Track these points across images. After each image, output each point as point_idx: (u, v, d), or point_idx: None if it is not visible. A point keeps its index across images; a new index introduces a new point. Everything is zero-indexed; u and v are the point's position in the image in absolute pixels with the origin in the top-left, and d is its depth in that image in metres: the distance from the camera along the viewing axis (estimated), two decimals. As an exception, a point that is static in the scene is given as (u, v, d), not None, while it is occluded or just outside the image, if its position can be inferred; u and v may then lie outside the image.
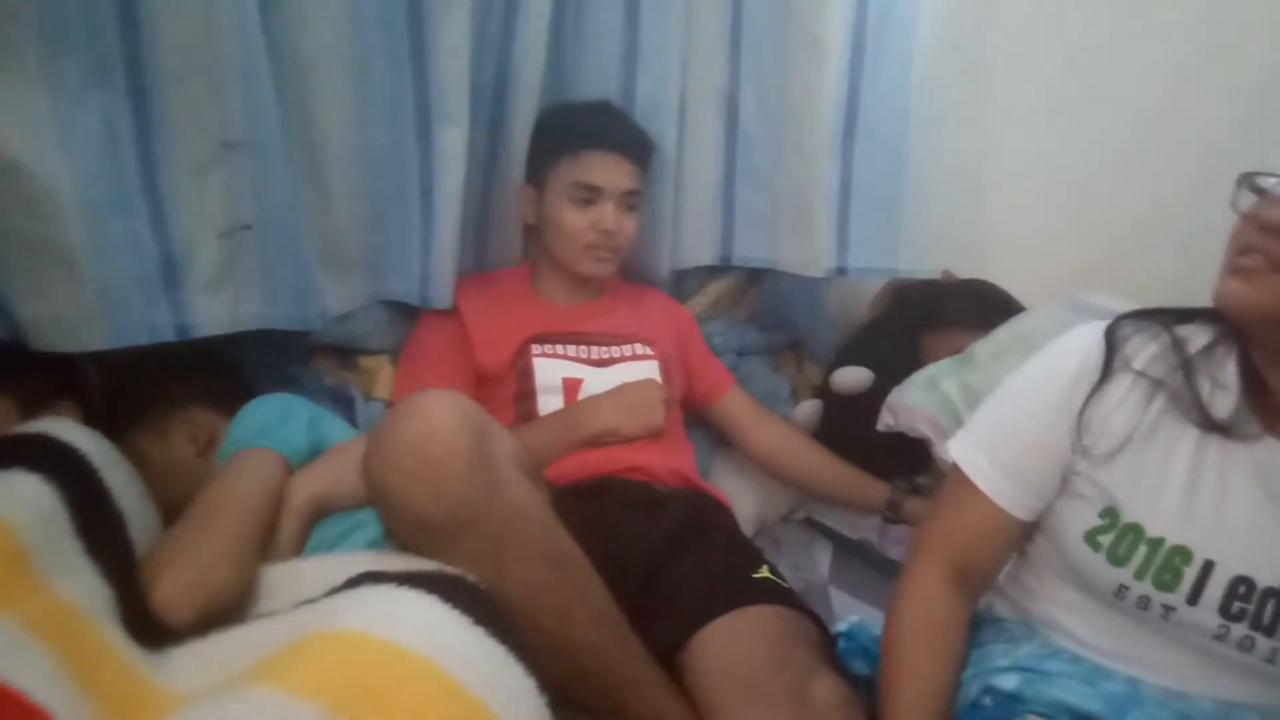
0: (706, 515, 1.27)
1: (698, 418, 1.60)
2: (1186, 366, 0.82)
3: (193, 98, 1.15)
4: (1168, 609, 0.81)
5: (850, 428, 1.59)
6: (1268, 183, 0.75)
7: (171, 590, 0.87)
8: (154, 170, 1.15)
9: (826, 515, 1.63)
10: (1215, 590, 0.80)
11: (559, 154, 1.40)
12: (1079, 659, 0.87)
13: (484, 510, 0.87)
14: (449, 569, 0.86)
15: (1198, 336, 0.85)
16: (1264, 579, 0.79)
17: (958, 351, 1.48)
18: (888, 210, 1.59)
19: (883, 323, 1.67)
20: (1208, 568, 0.80)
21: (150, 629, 0.85)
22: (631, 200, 1.42)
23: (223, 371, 1.31)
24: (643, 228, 1.56)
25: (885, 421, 1.51)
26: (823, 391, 1.67)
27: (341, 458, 1.08)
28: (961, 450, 0.92)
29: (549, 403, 1.36)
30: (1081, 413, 0.85)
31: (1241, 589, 0.79)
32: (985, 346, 1.45)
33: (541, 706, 0.80)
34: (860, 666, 1.00)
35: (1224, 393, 0.82)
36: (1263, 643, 0.79)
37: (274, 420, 1.10)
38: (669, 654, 1.04)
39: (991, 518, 0.89)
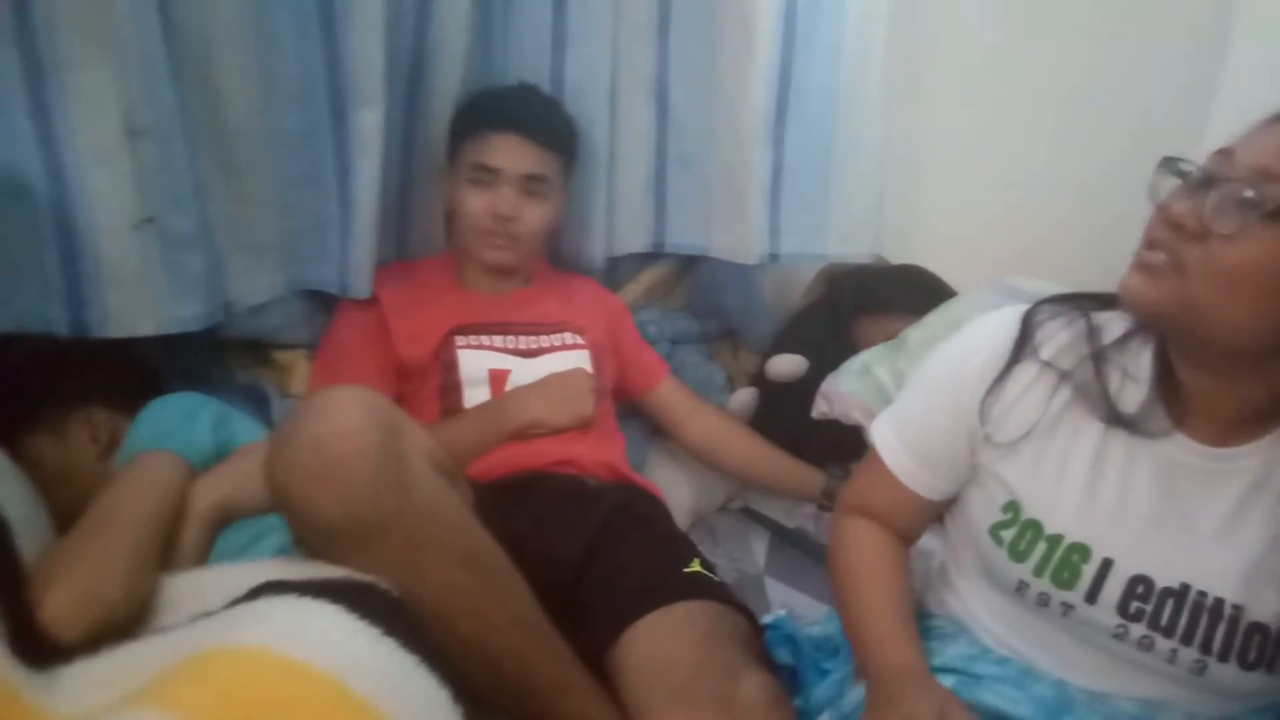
0: (637, 508, 1.24)
1: (632, 408, 1.57)
2: (1097, 357, 0.80)
3: (93, 82, 1.07)
4: (1066, 606, 0.80)
5: (786, 415, 1.58)
6: (1187, 170, 0.72)
7: (61, 605, 0.81)
8: (58, 157, 1.07)
9: (763, 504, 1.62)
10: (1113, 589, 0.78)
11: (465, 135, 1.35)
12: (1007, 659, 0.85)
13: (395, 513, 0.83)
14: (359, 576, 0.82)
15: (1114, 325, 0.83)
16: (1162, 579, 0.77)
17: (891, 337, 1.48)
18: (818, 195, 1.58)
19: (817, 309, 1.66)
20: (1106, 566, 0.78)
21: (38, 647, 0.79)
22: (535, 186, 1.36)
23: (127, 368, 1.24)
24: (575, 216, 1.53)
25: (820, 409, 1.50)
26: (758, 379, 1.66)
27: (248, 460, 1.02)
28: (878, 426, 0.93)
29: (475, 395, 1.31)
30: (983, 401, 0.83)
31: (1140, 589, 0.77)
32: (917, 332, 1.44)
33: (457, 718, 0.76)
34: (784, 655, 0.99)
35: (1135, 385, 0.80)
36: (1161, 643, 0.77)
37: (176, 421, 1.04)
38: (598, 654, 1.01)
39: (900, 494, 0.90)
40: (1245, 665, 0.75)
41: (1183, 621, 0.76)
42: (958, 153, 1.64)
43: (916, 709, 0.74)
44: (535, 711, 0.93)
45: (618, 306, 1.56)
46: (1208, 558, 0.76)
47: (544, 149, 1.36)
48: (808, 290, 1.73)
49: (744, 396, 1.64)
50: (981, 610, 0.88)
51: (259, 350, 1.36)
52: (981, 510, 0.85)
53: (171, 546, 0.95)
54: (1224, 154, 0.70)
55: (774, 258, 1.60)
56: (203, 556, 0.98)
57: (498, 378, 1.33)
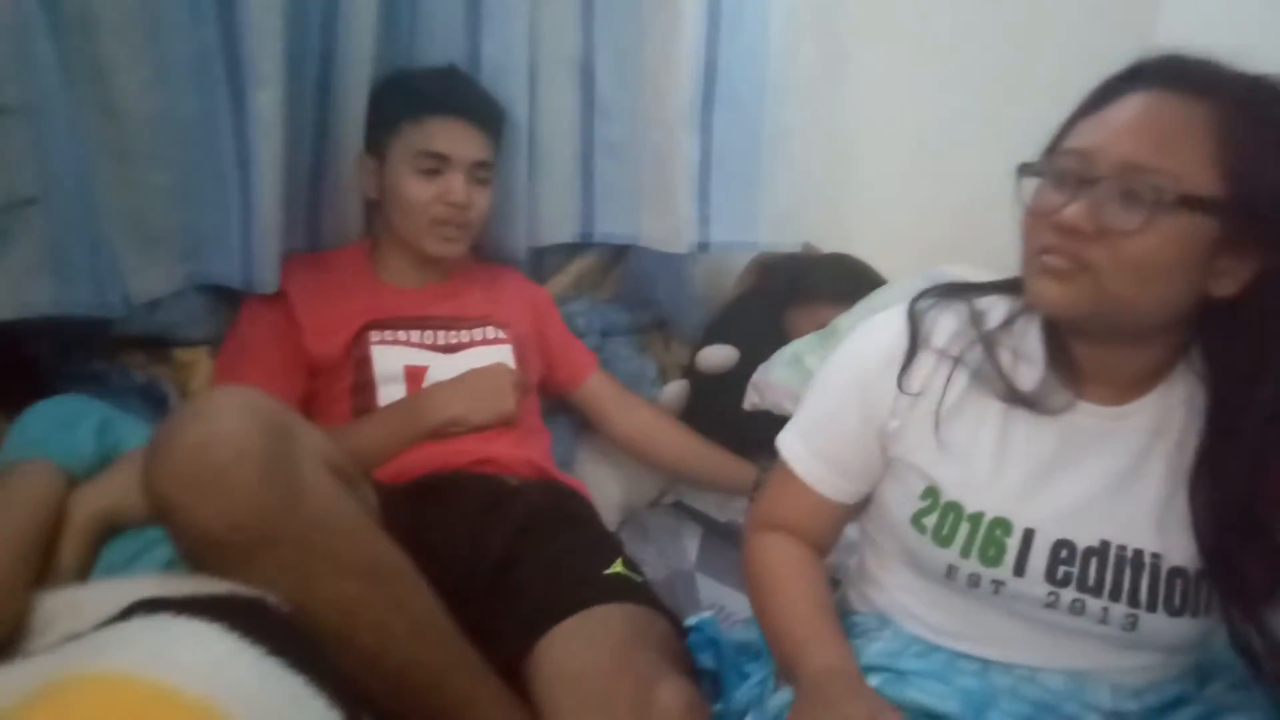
0: (560, 507, 1.19)
1: (560, 403, 1.53)
2: (986, 341, 0.83)
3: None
4: (997, 583, 0.81)
5: (718, 407, 1.55)
6: (1057, 170, 0.75)
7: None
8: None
9: (695, 499, 1.59)
10: (1039, 558, 0.79)
11: (400, 120, 1.28)
12: (932, 650, 0.85)
13: (283, 522, 0.77)
14: (244, 591, 0.77)
15: (996, 308, 0.86)
16: (1083, 539, 0.79)
17: (822, 326, 1.46)
18: (748, 183, 1.55)
19: (748, 299, 1.63)
20: (1028, 536, 0.79)
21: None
22: (482, 173, 1.32)
23: (11, 368, 1.16)
24: (497, 203, 1.46)
25: (751, 400, 1.47)
26: (689, 371, 1.62)
27: (134, 467, 0.94)
28: (785, 438, 0.93)
29: (390, 393, 1.25)
30: (894, 396, 0.84)
31: (1063, 553, 0.79)
32: (847, 320, 1.42)
33: (350, 741, 0.71)
34: (706, 660, 0.97)
35: (1028, 365, 0.82)
36: (1092, 603, 0.78)
37: (55, 426, 0.97)
38: (515, 663, 0.97)
39: (814, 502, 0.90)
40: (1172, 612, 0.77)
41: (1109, 578, 0.78)
42: (887, 140, 1.62)
43: (848, 712, 0.73)
44: (444, 726, 0.88)
45: (543, 299, 1.51)
46: (1121, 512, 0.79)
47: (485, 133, 1.33)
48: (740, 280, 1.70)
49: (675, 389, 1.61)
50: (908, 599, 0.88)
51: (157, 347, 1.28)
52: (900, 502, 0.86)
53: (49, 562, 0.88)
54: (1080, 154, 0.74)
55: (704, 247, 1.57)
56: (84, 572, 0.91)
57: (414, 375, 1.27)
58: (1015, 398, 0.80)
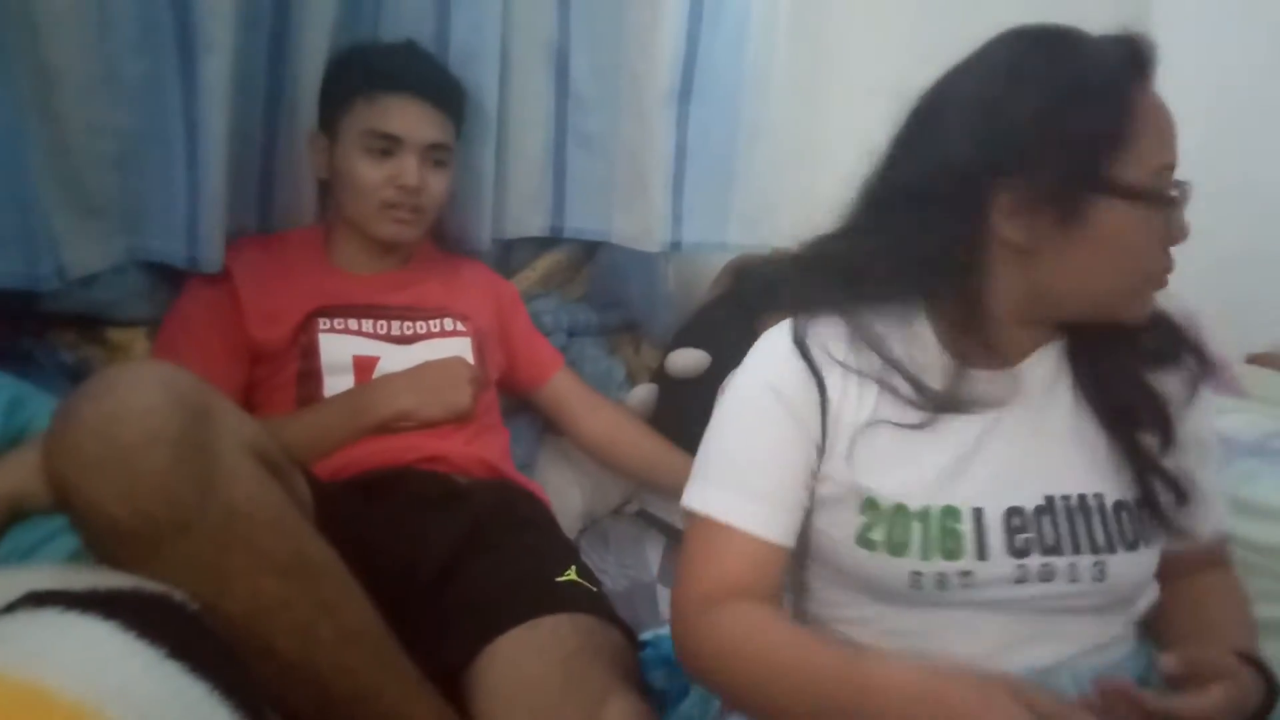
0: (514, 509, 1.13)
1: (523, 402, 1.46)
2: (882, 352, 0.79)
3: None
4: (964, 575, 0.76)
5: (687, 413, 1.48)
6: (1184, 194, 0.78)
7: None
8: None
9: (661, 507, 1.52)
10: (995, 534, 0.76)
11: (352, 96, 1.21)
12: None
13: (196, 512, 0.70)
14: (149, 586, 0.69)
15: (864, 313, 0.81)
16: (1029, 501, 0.77)
17: (796, 333, 1.40)
18: (722, 181, 1.49)
19: (721, 303, 1.57)
20: (979, 516, 0.76)
21: None
22: (438, 155, 1.25)
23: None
24: (461, 191, 1.40)
25: (721, 407, 1.41)
26: (659, 375, 1.56)
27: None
28: (702, 498, 0.80)
29: (337, 384, 1.18)
30: (817, 413, 0.79)
31: (1016, 520, 0.77)
32: (823, 327, 1.37)
33: (256, 755, 0.64)
34: (659, 678, 0.91)
35: (921, 353, 0.80)
36: (1059, 563, 0.76)
37: (-42, 401, 0.89)
38: (455, 672, 0.90)
39: (758, 552, 0.78)
40: (1130, 546, 0.77)
41: (1064, 531, 0.77)
42: (864, 142, 1.58)
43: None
44: (371, 739, 0.81)
45: (509, 293, 1.45)
46: (1052, 463, 0.79)
47: (442, 113, 1.26)
48: (714, 283, 1.64)
49: (643, 392, 1.54)
50: (862, 634, 0.80)
51: (89, 326, 1.20)
52: (839, 527, 0.79)
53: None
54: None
55: (676, 246, 1.51)
56: (-19, 560, 0.83)
57: (364, 365, 1.20)
58: (935, 405, 0.77)
